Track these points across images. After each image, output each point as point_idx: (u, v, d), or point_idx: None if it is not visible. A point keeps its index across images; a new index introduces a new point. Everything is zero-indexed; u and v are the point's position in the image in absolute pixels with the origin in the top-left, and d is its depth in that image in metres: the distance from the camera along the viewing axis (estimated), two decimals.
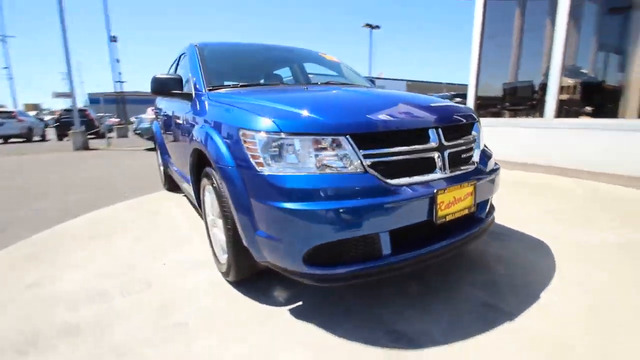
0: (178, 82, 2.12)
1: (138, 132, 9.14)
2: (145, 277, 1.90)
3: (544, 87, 4.80)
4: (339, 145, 1.29)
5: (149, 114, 11.39)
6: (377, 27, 24.02)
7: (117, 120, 19.85)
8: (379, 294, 1.62)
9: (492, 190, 1.71)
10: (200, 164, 1.95)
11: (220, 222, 1.71)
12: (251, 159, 1.32)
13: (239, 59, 2.57)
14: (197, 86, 2.10)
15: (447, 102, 1.76)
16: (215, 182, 1.61)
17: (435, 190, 1.35)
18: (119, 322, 1.50)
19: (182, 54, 2.93)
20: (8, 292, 1.79)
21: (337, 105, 1.55)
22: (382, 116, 1.40)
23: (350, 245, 1.28)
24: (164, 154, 3.64)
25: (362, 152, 1.29)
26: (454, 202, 1.42)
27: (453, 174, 1.49)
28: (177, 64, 2.97)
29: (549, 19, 5.64)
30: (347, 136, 1.29)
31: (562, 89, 4.68)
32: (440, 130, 1.47)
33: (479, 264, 1.91)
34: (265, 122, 1.32)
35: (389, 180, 1.31)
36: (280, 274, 1.43)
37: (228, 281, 1.79)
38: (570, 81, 4.78)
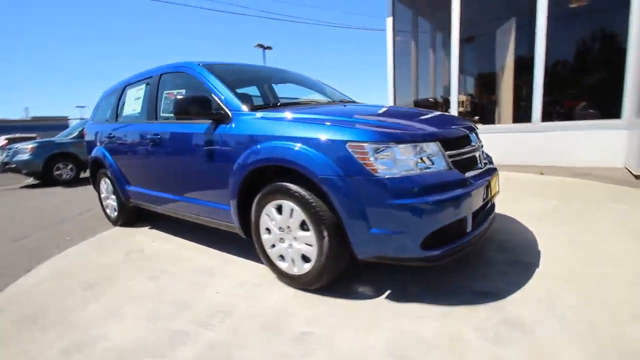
0: (207, 102, 2.07)
1: (12, 166, 7.28)
2: (214, 307, 1.77)
3: (446, 101, 6.07)
4: (432, 150, 1.61)
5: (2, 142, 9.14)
6: (269, 47, 24.88)
7: None
8: (441, 272, 1.95)
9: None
10: (250, 184, 1.95)
11: (300, 233, 1.78)
12: (365, 167, 1.51)
13: (247, 78, 2.60)
14: (230, 106, 2.09)
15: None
16: (300, 194, 1.69)
17: (489, 178, 1.80)
18: (237, 350, 1.43)
19: (163, 74, 2.74)
20: None
21: (416, 119, 1.88)
22: (450, 126, 1.80)
23: (451, 227, 1.60)
24: (123, 183, 3.23)
25: (447, 153, 1.64)
26: (494, 187, 1.90)
27: (485, 167, 1.98)
28: (158, 84, 2.74)
29: (431, 50, 7.16)
30: (438, 142, 1.62)
31: (458, 104, 6.03)
32: (474, 135, 1.95)
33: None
34: (375, 135, 1.54)
35: (465, 174, 1.69)
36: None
37: (309, 290, 1.84)
38: (463, 97, 6.18)
